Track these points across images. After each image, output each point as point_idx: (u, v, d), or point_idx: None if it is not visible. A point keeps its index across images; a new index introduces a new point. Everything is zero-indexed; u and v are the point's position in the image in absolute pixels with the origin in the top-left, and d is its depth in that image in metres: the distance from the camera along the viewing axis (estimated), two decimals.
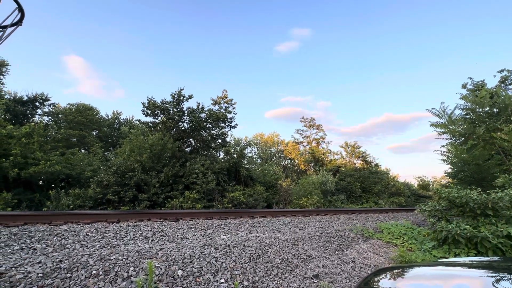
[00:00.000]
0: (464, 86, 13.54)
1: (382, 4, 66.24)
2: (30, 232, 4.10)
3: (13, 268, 2.65)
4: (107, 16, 56.43)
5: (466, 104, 10.83)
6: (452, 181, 11.58)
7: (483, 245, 4.87)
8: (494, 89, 11.68)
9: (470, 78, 13.37)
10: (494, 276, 1.38)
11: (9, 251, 3.40)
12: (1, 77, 16.24)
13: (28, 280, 2.49)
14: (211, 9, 63.39)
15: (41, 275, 2.59)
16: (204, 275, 3.20)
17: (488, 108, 10.38)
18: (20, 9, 4.05)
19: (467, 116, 10.99)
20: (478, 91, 11.67)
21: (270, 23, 67.22)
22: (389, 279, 1.74)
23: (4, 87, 16.55)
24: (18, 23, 4.06)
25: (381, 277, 1.74)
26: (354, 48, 67.21)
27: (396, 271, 1.90)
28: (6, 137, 11.26)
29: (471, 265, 1.89)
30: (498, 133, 9.37)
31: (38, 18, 48.06)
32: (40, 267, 2.72)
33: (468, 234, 5.04)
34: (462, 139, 10.66)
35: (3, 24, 3.92)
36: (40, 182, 12.61)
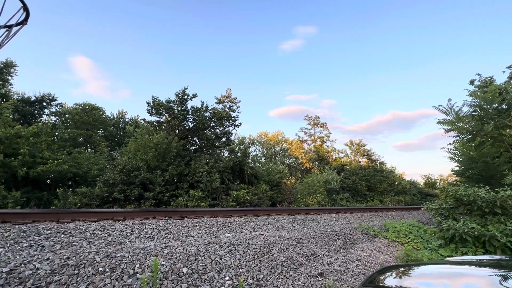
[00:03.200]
0: (471, 82, 13.27)
1: (388, 2, 65.39)
2: (38, 229, 4.18)
3: (22, 265, 2.70)
4: (113, 17, 56.97)
5: (474, 100, 10.64)
6: (460, 179, 11.41)
7: (491, 244, 4.79)
8: (503, 85, 11.43)
9: (478, 75, 13.09)
10: (502, 275, 1.35)
11: (18, 248, 3.47)
12: (9, 77, 16.54)
13: (36, 276, 2.54)
14: (215, 8, 63.42)
15: (49, 271, 2.63)
16: (208, 272, 3.22)
17: (496, 104, 10.18)
18: (25, 8, 4.09)
19: (475, 113, 10.79)
20: (486, 87, 11.43)
21: (274, 21, 67.01)
22: (395, 277, 1.72)
23: (12, 87, 16.87)
24: (23, 22, 4.10)
25: (386, 275, 1.72)
26: (359, 45, 66.59)
27: (402, 269, 1.88)
28: (15, 137, 11.46)
29: (479, 264, 1.86)
30: (507, 130, 9.19)
31: (45, 19, 48.70)
32: (48, 263, 2.76)
33: (475, 232, 4.97)
34: (470, 136, 10.48)
35: (8, 24, 3.97)
36: (48, 181, 12.82)
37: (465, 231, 5.08)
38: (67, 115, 19.41)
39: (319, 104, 59.44)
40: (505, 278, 1.32)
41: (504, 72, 13.51)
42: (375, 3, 65.34)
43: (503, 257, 2.25)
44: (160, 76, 60.36)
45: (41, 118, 18.16)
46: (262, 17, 67.53)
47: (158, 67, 61.26)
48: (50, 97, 18.35)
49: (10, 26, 3.90)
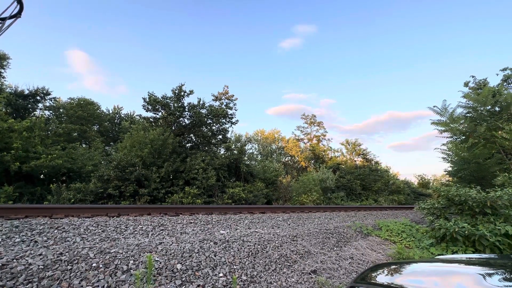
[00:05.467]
0: (466, 84, 13.47)
1: (387, 2, 65.58)
2: (31, 224, 4.14)
3: (14, 260, 2.68)
4: (110, 13, 56.15)
5: (468, 102, 10.78)
6: (452, 180, 11.59)
7: (480, 243, 4.90)
8: (496, 88, 11.61)
9: (473, 77, 13.29)
10: (490, 273, 1.39)
11: (10, 243, 3.43)
12: (2, 70, 16.22)
13: (29, 271, 2.52)
14: (214, 5, 62.89)
15: (42, 267, 2.62)
16: (203, 269, 3.23)
17: (490, 106, 10.33)
18: (19, 1, 4.02)
19: (468, 115, 10.95)
20: (480, 89, 11.61)
21: (274, 19, 66.76)
22: (386, 274, 1.75)
23: (5, 80, 16.55)
24: (17, 15, 4.03)
25: (378, 273, 1.75)
26: (358, 45, 66.77)
27: (393, 266, 1.91)
28: (8, 131, 11.29)
29: (468, 262, 1.90)
30: (499, 132, 9.34)
31: (42, 13, 47.76)
32: (41, 259, 2.74)
33: (466, 232, 5.06)
34: (463, 137, 10.64)
35: (2, 16, 3.90)
36: (42, 176, 12.67)
37: (456, 230, 5.18)
38: (61, 110, 19.14)
39: (318, 103, 59.65)
40: (493, 276, 1.36)
41: (497, 74, 13.73)
42: (374, 3, 65.53)
43: (492, 256, 2.31)
44: (157, 73, 59.89)
45: (34, 112, 17.88)
46: (262, 15, 67.25)
47: (156, 63, 60.75)
48: (44, 91, 18.05)
49: (3, 19, 3.83)
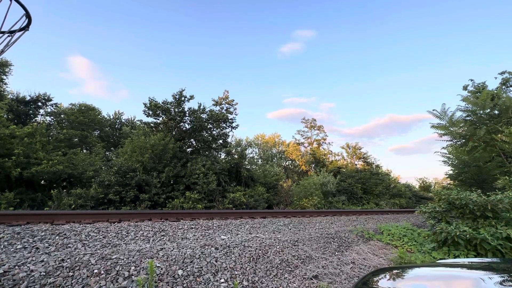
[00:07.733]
0: (465, 87, 13.53)
1: (386, 5, 66.25)
2: (32, 231, 4.14)
3: (16, 267, 2.68)
4: (111, 17, 56.75)
5: (467, 106, 10.83)
6: (453, 183, 11.58)
7: (482, 247, 4.88)
8: (495, 91, 11.67)
9: (471, 80, 13.36)
10: (493, 277, 1.39)
11: (12, 250, 3.44)
12: (4, 77, 16.36)
13: (31, 278, 2.53)
14: (214, 10, 63.59)
15: (44, 273, 2.62)
16: (204, 275, 3.22)
17: (489, 110, 10.38)
18: (28, 15, 4.14)
19: (468, 118, 10.99)
20: (479, 93, 11.66)
21: (274, 24, 67.28)
22: (388, 279, 1.75)
23: (7, 87, 16.68)
24: (26, 28, 4.15)
25: (379, 277, 1.76)
26: (358, 49, 67.11)
27: (395, 271, 1.91)
28: (9, 137, 11.33)
29: (470, 266, 1.90)
30: (499, 135, 9.36)
31: (43, 18, 48.28)
32: (42, 265, 2.75)
33: (467, 235, 5.04)
34: (463, 140, 10.66)
35: (12, 29, 4.01)
36: (42, 182, 12.67)
37: (457, 234, 5.16)
38: (62, 115, 19.23)
39: (318, 107, 59.75)
40: (496, 280, 1.37)
41: (496, 78, 13.81)
42: (374, 7, 66.17)
43: (494, 259, 2.30)
44: (158, 77, 60.25)
45: (36, 118, 17.97)
46: (262, 20, 67.83)
47: (157, 68, 61.16)
48: (46, 97, 18.17)
49: (13, 32, 3.95)
